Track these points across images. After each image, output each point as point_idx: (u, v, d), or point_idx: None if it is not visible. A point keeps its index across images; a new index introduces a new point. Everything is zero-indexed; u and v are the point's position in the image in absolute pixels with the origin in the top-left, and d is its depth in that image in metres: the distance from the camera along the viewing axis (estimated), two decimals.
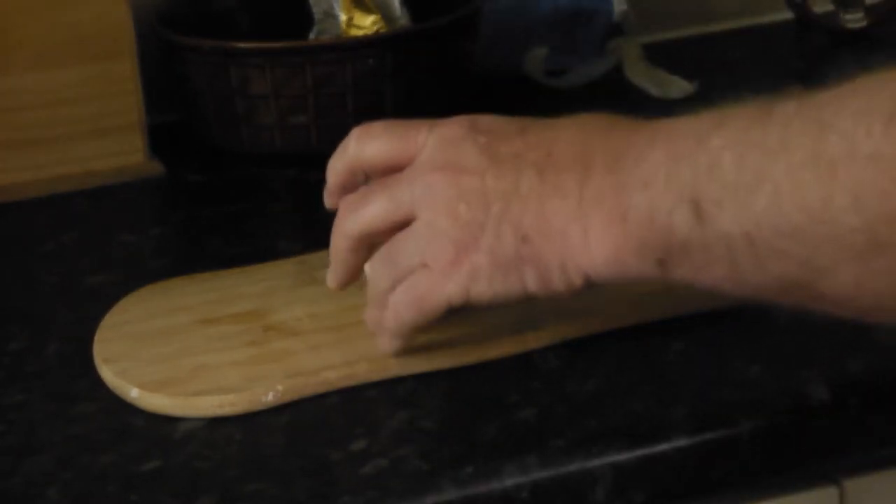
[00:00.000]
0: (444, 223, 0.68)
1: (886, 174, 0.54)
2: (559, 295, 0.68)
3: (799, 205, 0.57)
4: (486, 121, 0.71)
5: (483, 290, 0.68)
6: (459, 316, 0.76)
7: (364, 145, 0.73)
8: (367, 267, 0.75)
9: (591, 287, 0.67)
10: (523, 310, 0.77)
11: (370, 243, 0.72)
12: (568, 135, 0.68)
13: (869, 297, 0.58)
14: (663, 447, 0.67)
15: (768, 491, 0.72)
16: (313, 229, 0.94)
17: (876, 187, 0.54)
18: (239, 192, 1.02)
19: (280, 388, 0.71)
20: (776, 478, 0.70)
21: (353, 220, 0.72)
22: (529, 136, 0.69)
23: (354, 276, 0.74)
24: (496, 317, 0.76)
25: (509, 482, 0.65)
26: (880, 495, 0.74)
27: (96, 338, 0.77)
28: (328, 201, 0.76)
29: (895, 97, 0.55)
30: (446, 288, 0.68)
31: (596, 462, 0.66)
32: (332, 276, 0.75)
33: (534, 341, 0.75)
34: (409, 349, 0.73)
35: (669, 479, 0.67)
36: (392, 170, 0.71)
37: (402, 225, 0.70)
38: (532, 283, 0.68)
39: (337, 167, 0.75)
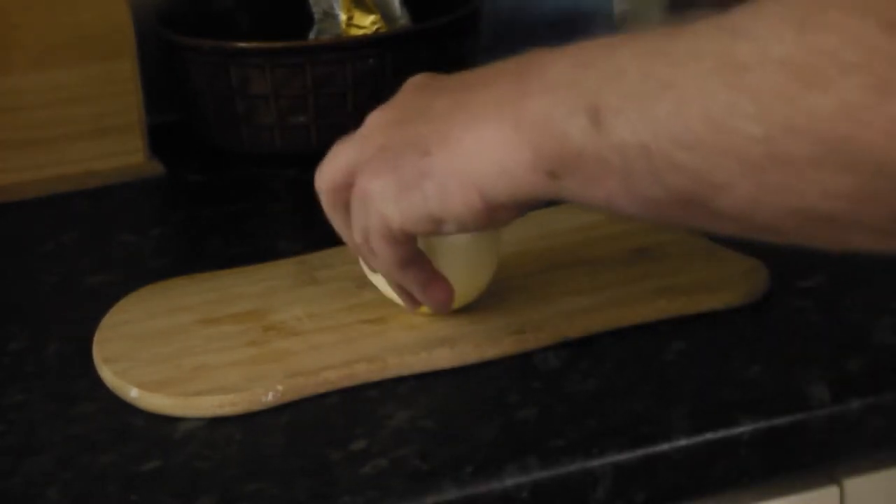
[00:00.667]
0: (371, 151, 0.69)
1: (793, 79, 0.52)
2: (462, 218, 0.66)
3: (702, 114, 0.55)
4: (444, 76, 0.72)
5: (392, 211, 0.68)
6: (460, 315, 0.76)
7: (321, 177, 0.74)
8: (365, 269, 0.75)
9: (493, 215, 0.66)
10: (523, 309, 0.77)
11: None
12: (492, 66, 0.68)
13: (765, 215, 0.56)
14: (663, 447, 0.67)
15: (768, 491, 0.72)
16: (313, 229, 0.94)
17: (781, 92, 0.53)
18: (239, 192, 1.02)
19: (280, 388, 0.71)
20: (776, 478, 0.70)
21: (327, 167, 0.73)
22: (466, 76, 0.69)
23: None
24: (496, 316, 0.76)
25: (509, 482, 0.65)
26: (880, 495, 0.74)
27: (96, 338, 0.77)
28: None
29: (809, 4, 0.53)
30: (386, 209, 0.68)
31: (596, 462, 0.66)
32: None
33: (534, 341, 0.75)
34: (408, 349, 0.73)
35: (669, 479, 0.67)
36: None
37: None
38: (433, 200, 0.66)
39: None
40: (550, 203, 0.65)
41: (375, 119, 0.71)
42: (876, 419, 0.70)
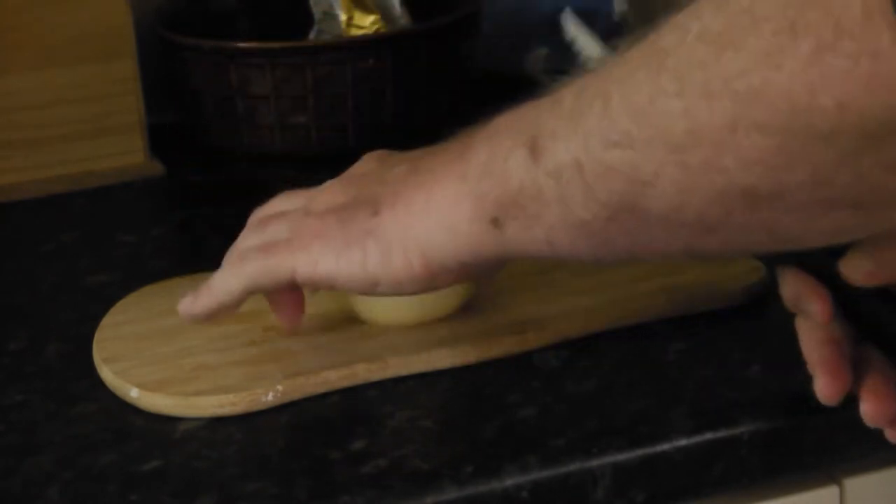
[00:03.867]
0: (320, 209, 0.70)
1: (711, 47, 0.53)
2: (399, 281, 0.66)
3: (626, 106, 0.56)
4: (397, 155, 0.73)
5: (329, 263, 0.68)
6: (460, 315, 0.76)
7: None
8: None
9: (434, 279, 0.66)
10: (524, 309, 0.77)
11: None
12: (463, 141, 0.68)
13: (693, 206, 0.56)
14: (663, 447, 0.67)
15: (768, 491, 0.72)
16: None
17: (699, 62, 0.53)
18: (239, 192, 1.02)
19: (280, 387, 0.71)
20: (776, 478, 0.70)
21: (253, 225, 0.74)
22: (429, 152, 0.69)
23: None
24: (496, 316, 0.76)
25: (509, 482, 0.65)
26: (880, 495, 0.74)
27: (96, 338, 0.77)
28: None
29: None
30: (296, 257, 0.68)
31: (596, 462, 0.66)
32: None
33: (534, 341, 0.75)
34: (408, 349, 0.73)
35: (669, 479, 0.67)
36: None
37: None
38: (373, 259, 0.66)
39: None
40: None
41: (331, 183, 0.72)
42: None
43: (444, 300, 0.76)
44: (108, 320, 0.79)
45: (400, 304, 0.75)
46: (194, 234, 0.96)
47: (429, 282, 0.66)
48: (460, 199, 0.63)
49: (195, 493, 0.65)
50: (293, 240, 0.69)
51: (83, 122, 1.02)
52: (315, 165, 1.03)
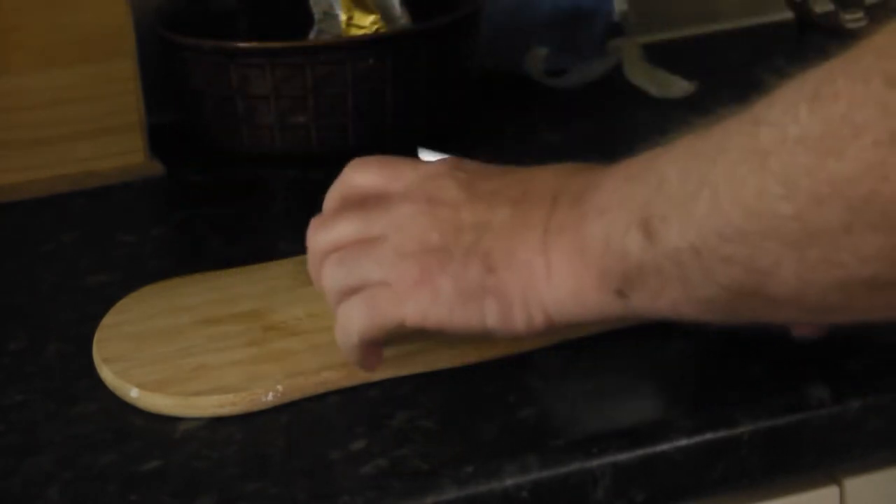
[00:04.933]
0: (413, 247, 0.68)
1: (813, 153, 0.55)
2: (518, 335, 0.68)
3: (736, 202, 0.58)
4: (471, 162, 0.72)
5: (442, 315, 0.67)
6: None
7: (355, 174, 0.73)
8: None
9: (552, 330, 0.67)
10: None
11: None
12: (544, 175, 0.69)
13: (814, 294, 0.58)
14: (663, 447, 0.67)
15: (768, 491, 0.72)
16: None
17: (803, 168, 0.55)
18: (239, 192, 1.02)
19: (280, 387, 0.71)
20: (776, 478, 0.70)
21: (325, 234, 0.72)
22: (508, 176, 0.70)
23: None
24: None
25: (509, 482, 0.65)
26: (880, 495, 0.74)
27: (96, 338, 0.77)
28: None
29: (817, 80, 0.56)
30: (404, 306, 0.68)
31: (596, 462, 0.66)
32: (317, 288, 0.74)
33: (534, 341, 0.75)
34: (408, 350, 0.73)
35: (669, 479, 0.67)
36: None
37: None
38: (492, 316, 0.67)
39: (331, 194, 0.74)
40: None
41: (413, 208, 0.69)
42: (876, 419, 0.70)
43: None
44: (108, 320, 0.79)
45: None
46: (194, 234, 0.96)
47: (548, 333, 0.68)
48: (582, 273, 0.65)
49: (195, 493, 0.65)
50: (395, 286, 0.68)
51: (83, 122, 1.02)
52: (315, 165, 1.03)
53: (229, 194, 1.02)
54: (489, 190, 0.69)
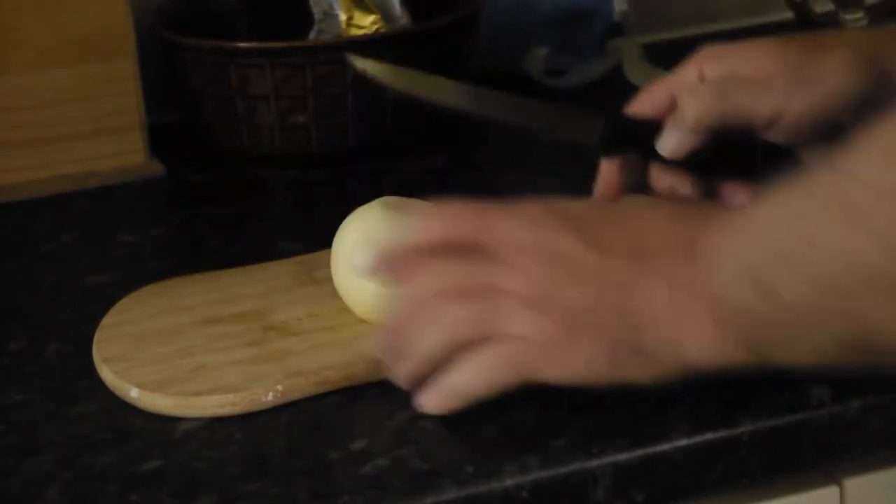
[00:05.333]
0: (548, 303, 0.67)
1: None
2: (649, 382, 0.68)
3: (836, 259, 0.60)
4: (562, 203, 0.71)
5: (590, 376, 0.67)
6: None
7: (439, 223, 0.70)
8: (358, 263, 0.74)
9: (687, 373, 0.68)
10: None
11: None
12: (649, 224, 0.70)
13: None
14: (663, 447, 0.67)
15: (768, 491, 0.72)
16: (313, 229, 0.94)
17: (893, 221, 0.58)
18: (239, 192, 1.02)
19: (280, 387, 0.71)
20: (776, 478, 0.70)
21: (433, 277, 0.69)
22: (614, 220, 0.70)
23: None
24: None
25: (509, 482, 0.65)
26: (880, 495, 0.74)
27: (96, 338, 0.77)
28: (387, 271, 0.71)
29: None
30: (551, 365, 0.67)
31: (596, 462, 0.66)
32: (404, 371, 0.70)
33: None
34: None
35: (669, 479, 0.67)
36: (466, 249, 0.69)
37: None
38: (637, 371, 0.67)
39: (412, 243, 0.70)
40: None
41: (533, 259, 0.68)
42: (876, 419, 0.70)
43: None
44: (108, 320, 0.79)
45: None
46: (194, 234, 0.96)
47: (678, 375, 0.68)
48: (714, 329, 0.66)
49: (195, 493, 0.65)
50: (537, 343, 0.67)
51: (83, 122, 1.02)
52: (315, 165, 1.03)
53: (229, 194, 1.02)
54: (602, 238, 0.69)
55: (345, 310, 0.77)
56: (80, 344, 0.78)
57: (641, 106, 0.77)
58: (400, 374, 0.69)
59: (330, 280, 0.79)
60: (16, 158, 1.01)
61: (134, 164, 1.04)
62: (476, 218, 0.70)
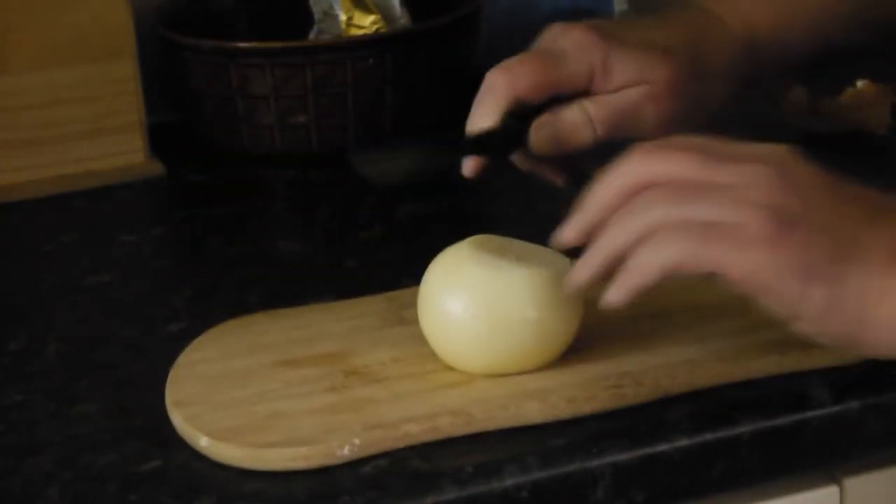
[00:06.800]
0: (767, 201, 0.64)
1: None
2: (820, 337, 0.67)
3: None
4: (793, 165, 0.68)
5: (769, 281, 0.64)
6: (552, 365, 0.71)
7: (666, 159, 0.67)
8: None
9: (862, 343, 0.67)
10: (622, 360, 0.72)
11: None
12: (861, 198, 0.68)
13: None
14: (663, 447, 0.67)
15: (768, 491, 0.72)
16: (313, 229, 0.94)
17: None
18: (239, 192, 1.02)
19: (357, 441, 0.66)
20: (776, 478, 0.70)
21: (660, 163, 0.66)
22: (844, 201, 0.67)
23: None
24: (592, 367, 0.71)
25: (509, 482, 0.65)
26: (880, 495, 0.74)
27: (169, 378, 0.73)
28: (574, 234, 0.68)
29: None
30: (739, 256, 0.64)
31: (596, 462, 0.66)
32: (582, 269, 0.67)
33: (632, 397, 0.70)
34: (496, 401, 0.69)
35: (669, 479, 0.67)
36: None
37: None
38: (813, 305, 0.65)
39: (611, 188, 0.67)
40: None
41: (769, 176, 0.65)
42: (876, 419, 0.70)
43: (541, 350, 0.71)
44: (183, 359, 0.74)
45: (491, 352, 0.70)
46: (194, 234, 0.96)
47: (847, 344, 0.67)
48: None
49: (195, 493, 0.65)
50: (738, 232, 0.64)
51: (83, 122, 1.02)
52: (315, 165, 1.03)
53: (229, 194, 1.02)
54: (830, 204, 0.67)
55: (431, 355, 0.72)
56: (80, 344, 0.78)
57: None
58: (591, 261, 0.66)
59: (418, 321, 0.73)
60: (16, 158, 1.01)
61: (134, 164, 1.04)
62: (698, 160, 0.66)
